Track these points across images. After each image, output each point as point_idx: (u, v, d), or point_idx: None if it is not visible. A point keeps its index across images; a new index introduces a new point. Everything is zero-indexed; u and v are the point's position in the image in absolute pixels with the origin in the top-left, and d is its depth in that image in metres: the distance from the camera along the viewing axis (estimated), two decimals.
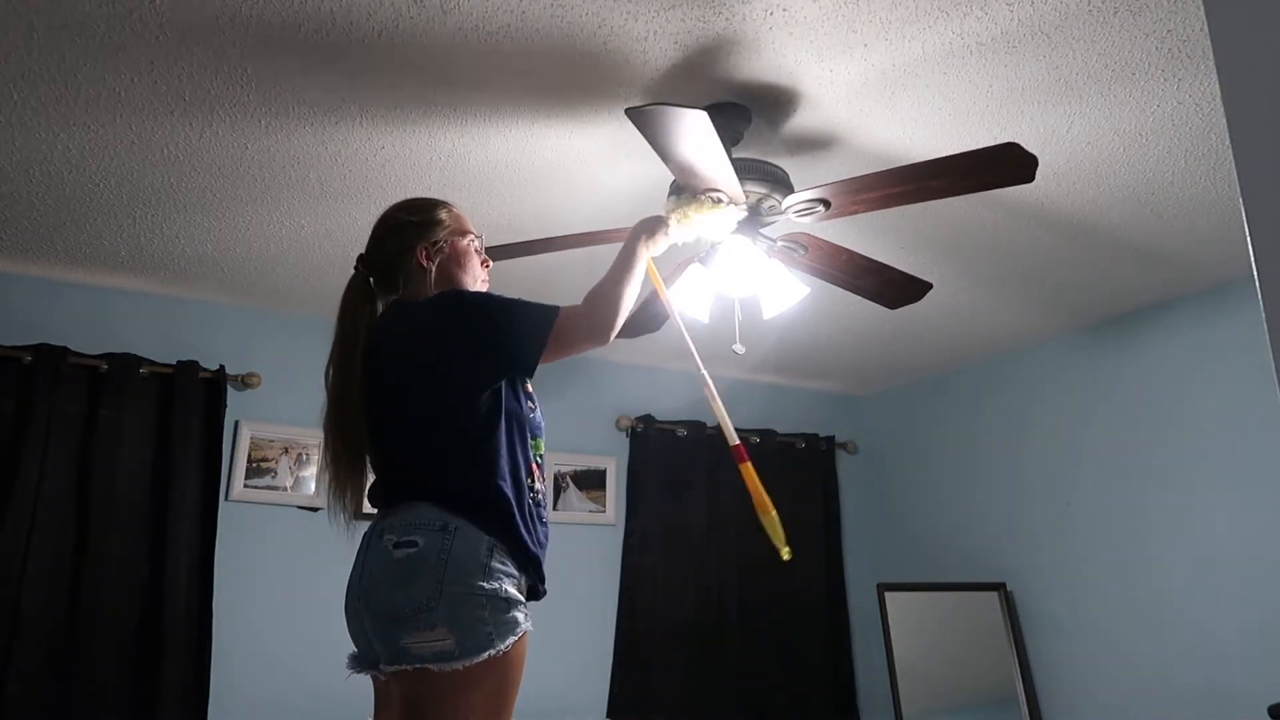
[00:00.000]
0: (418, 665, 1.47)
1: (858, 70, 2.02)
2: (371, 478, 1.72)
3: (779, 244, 2.29)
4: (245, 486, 3.36)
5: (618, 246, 1.90)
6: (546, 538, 1.70)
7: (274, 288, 3.32)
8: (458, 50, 1.94)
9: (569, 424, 3.92)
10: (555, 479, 3.95)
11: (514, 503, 1.60)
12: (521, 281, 2.87)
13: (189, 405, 3.27)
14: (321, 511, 3.37)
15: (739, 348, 2.35)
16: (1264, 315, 0.74)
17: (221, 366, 3.36)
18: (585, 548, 3.91)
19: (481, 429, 1.62)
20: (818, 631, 4.27)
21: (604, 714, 3.75)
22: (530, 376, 1.70)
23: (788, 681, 4.10)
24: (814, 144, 2.32)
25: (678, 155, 1.84)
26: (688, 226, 2.01)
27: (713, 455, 4.18)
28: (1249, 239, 0.76)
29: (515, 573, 1.59)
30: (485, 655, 1.47)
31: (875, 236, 2.80)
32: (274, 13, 1.83)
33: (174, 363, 3.29)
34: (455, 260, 1.80)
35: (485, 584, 1.51)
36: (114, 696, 2.94)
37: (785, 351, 3.99)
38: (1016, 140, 2.06)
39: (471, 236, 1.85)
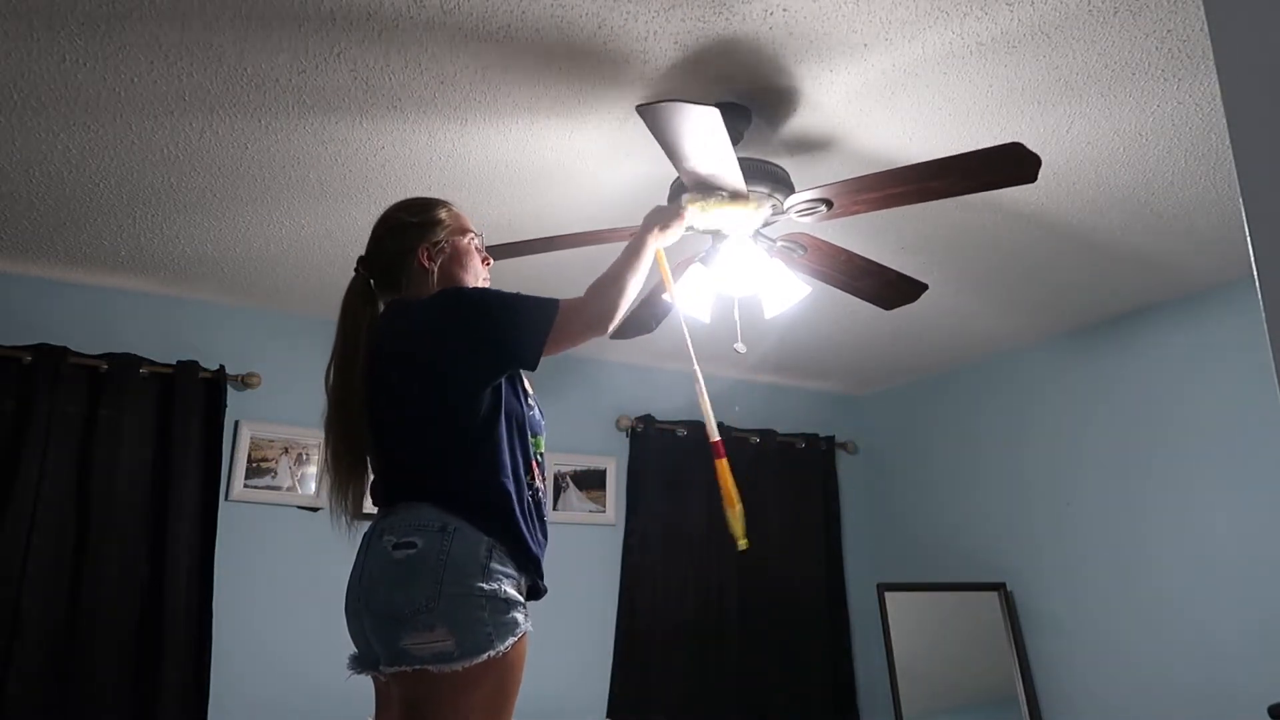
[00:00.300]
0: (417, 666, 1.47)
1: (858, 70, 2.02)
2: (371, 478, 1.72)
3: (778, 244, 2.29)
4: (245, 486, 3.36)
5: (618, 246, 1.91)
6: (546, 536, 1.70)
7: (274, 288, 3.32)
8: (458, 50, 1.94)
9: (569, 424, 3.92)
10: (555, 479, 3.95)
11: (515, 499, 1.61)
12: (521, 281, 2.86)
13: (189, 405, 3.27)
14: (321, 511, 3.38)
15: (740, 346, 2.35)
16: (1264, 315, 0.74)
17: (221, 366, 3.36)
18: (585, 548, 3.91)
19: (482, 428, 1.62)
20: (818, 631, 4.27)
21: (604, 714, 3.75)
22: (533, 370, 1.70)
23: (788, 681, 4.10)
24: (814, 144, 2.32)
25: (686, 152, 1.85)
26: (704, 217, 2.05)
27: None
28: (1249, 239, 0.76)
29: (514, 573, 1.59)
30: (485, 656, 1.47)
31: (875, 237, 2.80)
32: (274, 13, 1.83)
33: (174, 363, 3.29)
34: (457, 260, 1.80)
35: (484, 585, 1.51)
36: (114, 696, 2.94)
37: (785, 351, 3.99)
38: (1016, 140, 2.06)
39: (472, 235, 1.85)
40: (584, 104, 2.15)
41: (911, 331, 3.76)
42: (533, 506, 1.67)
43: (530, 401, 1.77)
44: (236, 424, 3.39)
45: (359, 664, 1.67)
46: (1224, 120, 1.43)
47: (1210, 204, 2.64)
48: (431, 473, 1.61)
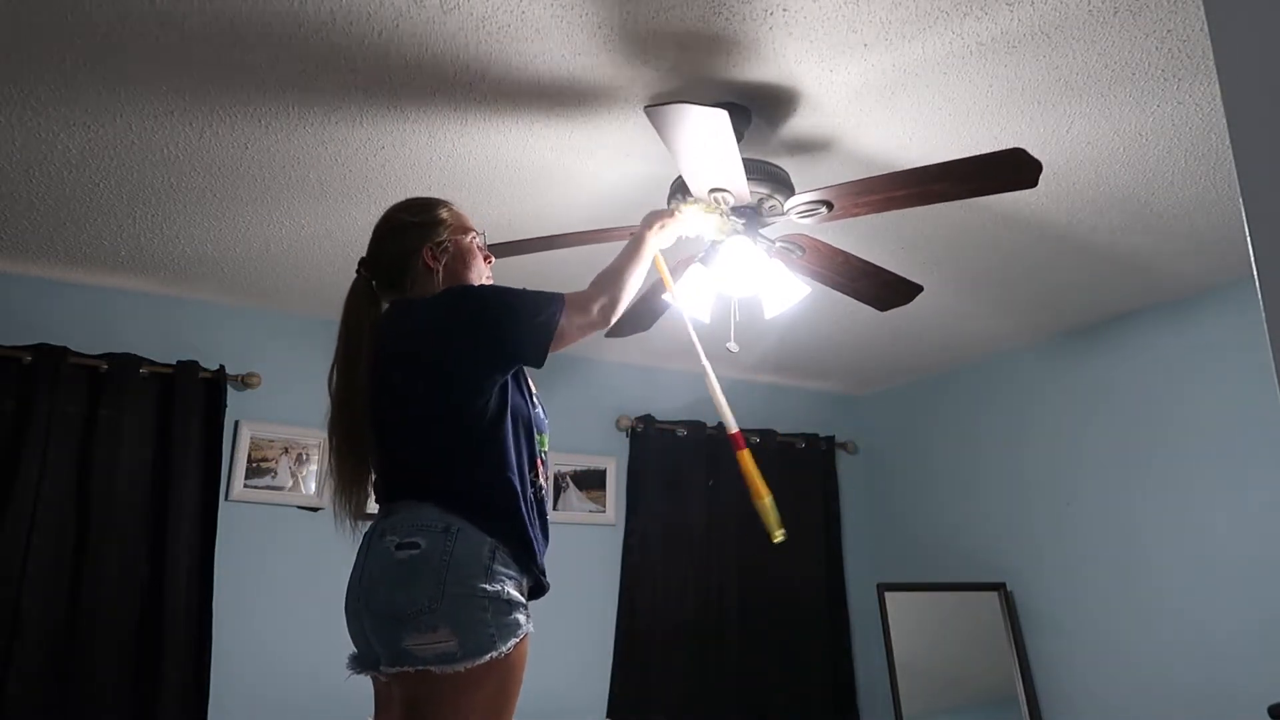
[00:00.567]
0: (420, 667, 1.47)
1: (858, 71, 2.02)
2: (373, 478, 1.72)
3: (777, 244, 2.30)
4: (245, 486, 3.37)
5: (618, 246, 1.91)
6: (547, 535, 1.71)
7: (274, 288, 3.32)
8: (457, 50, 1.94)
9: (569, 424, 3.92)
10: (555, 479, 3.95)
11: (519, 496, 1.61)
12: (522, 279, 2.86)
13: (189, 405, 3.27)
14: (322, 511, 3.38)
15: (733, 346, 2.36)
16: (1264, 315, 0.74)
17: (221, 366, 3.36)
18: (585, 548, 3.91)
19: (487, 427, 1.62)
20: (818, 631, 4.27)
21: (604, 714, 3.75)
22: (539, 367, 1.70)
23: (788, 681, 4.10)
24: (814, 145, 2.32)
25: (691, 153, 1.85)
26: (693, 223, 2.05)
27: (713, 455, 4.19)
28: (1249, 239, 0.76)
29: (517, 574, 1.59)
30: (487, 657, 1.47)
31: (874, 237, 2.80)
32: (274, 13, 1.83)
33: (174, 363, 3.29)
34: (460, 259, 1.81)
35: (487, 586, 1.51)
36: (114, 696, 2.95)
37: (785, 351, 3.99)
38: (1016, 141, 2.06)
39: (474, 234, 1.86)
40: (584, 104, 2.15)
41: (911, 332, 3.76)
42: (535, 504, 1.67)
43: (535, 400, 1.77)
44: (236, 424, 3.39)
45: (359, 664, 1.67)
46: (1224, 120, 1.43)
47: (1210, 204, 2.64)
48: (435, 472, 1.61)
